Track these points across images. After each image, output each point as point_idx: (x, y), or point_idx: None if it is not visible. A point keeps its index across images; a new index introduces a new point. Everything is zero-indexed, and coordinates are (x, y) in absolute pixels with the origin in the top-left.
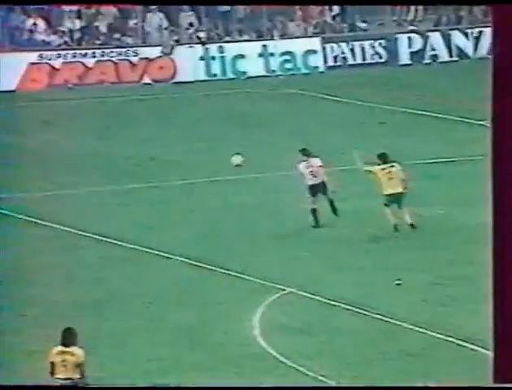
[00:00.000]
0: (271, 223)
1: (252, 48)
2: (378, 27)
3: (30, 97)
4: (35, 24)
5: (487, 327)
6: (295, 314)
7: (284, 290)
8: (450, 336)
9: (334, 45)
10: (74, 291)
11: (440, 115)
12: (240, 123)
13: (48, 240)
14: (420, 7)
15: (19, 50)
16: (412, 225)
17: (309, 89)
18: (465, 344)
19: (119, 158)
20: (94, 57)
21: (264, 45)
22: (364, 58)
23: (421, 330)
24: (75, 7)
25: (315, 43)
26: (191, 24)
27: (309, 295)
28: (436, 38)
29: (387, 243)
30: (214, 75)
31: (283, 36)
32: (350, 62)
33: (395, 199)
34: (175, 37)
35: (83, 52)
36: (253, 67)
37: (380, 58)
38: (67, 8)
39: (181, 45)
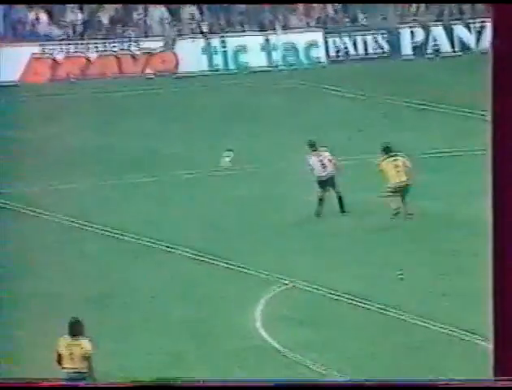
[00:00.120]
0: (274, 216)
1: (254, 41)
2: (380, 20)
3: (32, 90)
4: (37, 17)
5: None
6: (297, 307)
7: (286, 283)
8: (454, 329)
9: (336, 38)
10: (77, 284)
11: (442, 108)
12: (242, 115)
13: (51, 233)
14: None
15: (21, 43)
16: (411, 214)
17: (311, 82)
18: (468, 336)
19: (121, 151)
20: (96, 50)
21: (266, 38)
22: (366, 51)
23: (424, 323)
24: None
25: (317, 36)
26: (193, 17)
27: (311, 288)
28: (438, 31)
29: (390, 236)
30: (217, 68)
31: (285, 28)
32: (352, 55)
33: (400, 189)
34: (177, 30)
35: (85, 45)
36: (256, 59)
37: (383, 51)
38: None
39: (183, 37)
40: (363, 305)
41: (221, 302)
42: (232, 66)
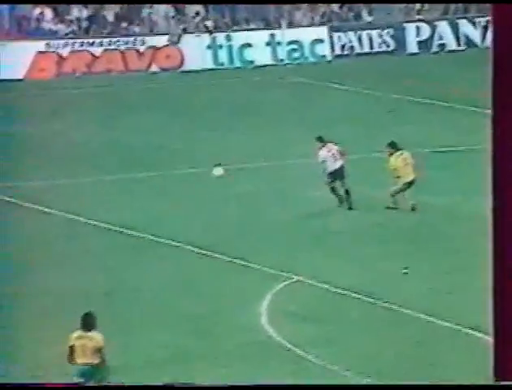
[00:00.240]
0: (279, 211)
1: (259, 37)
2: (385, 16)
3: (38, 86)
4: (42, 13)
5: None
6: (302, 302)
7: (291, 278)
8: (458, 325)
9: (341, 34)
10: (82, 280)
11: (447, 104)
12: (247, 111)
13: (56, 228)
14: None
15: (26, 39)
16: (413, 208)
17: (316, 78)
18: (472, 332)
19: (126, 146)
20: (102, 46)
21: (271, 34)
22: (372, 47)
23: (428, 318)
24: None
25: (323, 32)
26: (198, 13)
27: (316, 283)
28: (443, 27)
29: (394, 232)
30: (222, 63)
31: (290, 25)
32: (358, 51)
33: (409, 185)
34: (183, 26)
35: (90, 41)
36: (261, 55)
37: (388, 47)
38: None
39: (188, 33)
40: (368, 300)
41: (226, 297)
42: (236, 62)
